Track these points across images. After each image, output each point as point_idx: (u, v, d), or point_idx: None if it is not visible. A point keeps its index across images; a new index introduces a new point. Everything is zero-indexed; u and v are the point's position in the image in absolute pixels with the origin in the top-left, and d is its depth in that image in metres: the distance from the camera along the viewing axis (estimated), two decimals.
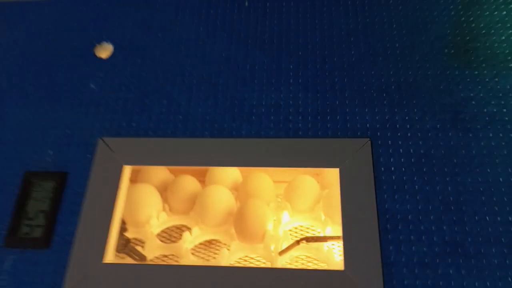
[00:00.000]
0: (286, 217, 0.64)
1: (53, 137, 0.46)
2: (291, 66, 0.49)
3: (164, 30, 0.51)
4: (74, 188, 0.42)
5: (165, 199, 0.66)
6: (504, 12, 0.54)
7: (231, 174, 0.65)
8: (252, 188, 0.66)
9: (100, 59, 0.50)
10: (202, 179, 0.67)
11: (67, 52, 0.52)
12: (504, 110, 0.45)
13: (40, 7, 0.57)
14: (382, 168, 0.42)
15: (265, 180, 0.65)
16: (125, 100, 0.47)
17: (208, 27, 0.51)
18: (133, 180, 0.62)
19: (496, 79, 0.48)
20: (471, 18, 0.52)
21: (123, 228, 0.51)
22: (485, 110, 0.45)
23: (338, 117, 0.45)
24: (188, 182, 0.69)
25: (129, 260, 0.50)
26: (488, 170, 0.42)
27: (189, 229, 0.64)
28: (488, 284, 0.36)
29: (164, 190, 0.67)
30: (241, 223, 0.60)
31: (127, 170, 0.45)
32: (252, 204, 0.61)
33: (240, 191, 0.66)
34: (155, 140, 0.45)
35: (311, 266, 0.57)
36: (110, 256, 0.40)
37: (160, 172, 0.68)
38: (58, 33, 0.51)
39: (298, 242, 0.51)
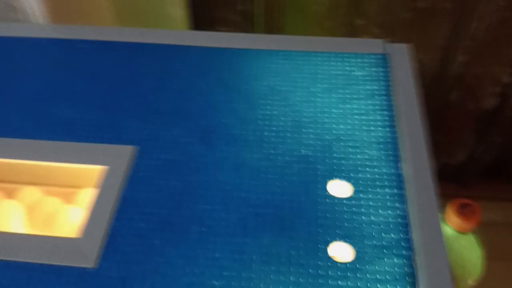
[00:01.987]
0: None
1: None
2: (96, 92, 0.66)
3: (7, 62, 0.68)
4: None
5: (29, 217, 0.76)
6: (274, 65, 0.73)
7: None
8: None
9: None
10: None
11: None
12: (243, 132, 0.62)
13: None
14: (137, 168, 0.57)
15: None
16: None
17: (45, 62, 0.68)
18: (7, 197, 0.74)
19: (248, 111, 0.66)
20: (247, 68, 0.71)
21: None
22: (229, 132, 0.62)
23: (117, 129, 0.61)
24: (52, 203, 0.79)
25: None
26: (214, 173, 0.57)
27: None
28: (180, 251, 0.50)
29: (32, 209, 0.77)
30: None
31: None
32: None
33: None
34: None
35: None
36: None
37: (31, 193, 0.79)
38: None
39: None
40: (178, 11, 0.99)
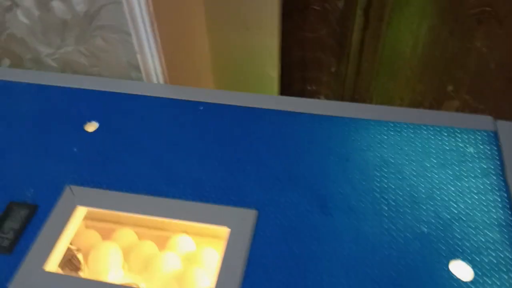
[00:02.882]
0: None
1: (37, 180, 0.68)
2: (219, 154, 0.71)
3: (137, 117, 0.75)
4: (40, 216, 0.62)
5: (126, 259, 0.82)
6: (385, 136, 0.76)
7: (187, 245, 0.82)
8: (199, 258, 0.83)
9: (86, 131, 0.74)
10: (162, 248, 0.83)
11: (61, 124, 0.76)
12: (362, 204, 0.64)
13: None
14: (261, 232, 0.61)
15: (212, 254, 0.81)
16: (94, 162, 0.70)
17: (169, 120, 0.75)
18: (106, 237, 0.80)
19: (363, 182, 0.68)
20: (358, 137, 0.74)
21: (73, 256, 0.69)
22: (347, 202, 0.64)
23: (240, 192, 0.65)
24: (147, 246, 0.85)
25: (62, 272, 0.68)
26: (336, 244, 0.60)
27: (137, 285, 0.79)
28: None
29: (129, 251, 0.83)
30: (179, 284, 0.76)
31: (81, 210, 0.65)
32: (191, 271, 0.78)
33: (190, 260, 0.82)
34: (107, 192, 0.65)
35: None
36: (51, 267, 0.59)
37: (128, 236, 0.85)
38: (55, 109, 0.76)
39: None
40: (272, 71, 1.04)
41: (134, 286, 0.72)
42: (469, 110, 1.07)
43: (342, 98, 1.13)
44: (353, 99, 1.12)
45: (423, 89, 1.07)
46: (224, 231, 0.65)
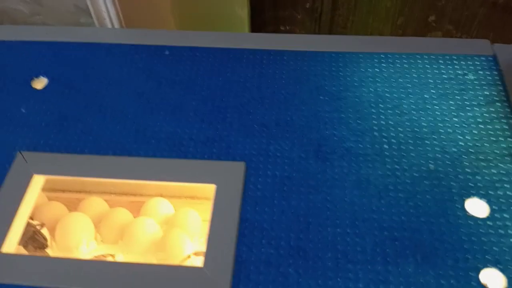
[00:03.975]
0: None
1: None
2: (193, 103, 0.61)
3: (92, 69, 0.64)
4: None
5: (98, 229, 0.73)
6: (377, 69, 0.68)
7: (164, 208, 0.73)
8: (179, 221, 0.74)
9: (35, 89, 0.62)
10: (137, 215, 0.74)
11: (3, 83, 0.64)
12: (360, 145, 0.56)
13: None
14: (251, 186, 0.52)
15: (194, 216, 0.73)
16: (47, 122, 0.59)
17: (131, 69, 0.64)
18: (73, 209, 0.71)
19: (359, 121, 0.60)
20: (347, 73, 0.66)
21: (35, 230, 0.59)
22: (344, 145, 0.56)
23: (223, 144, 0.56)
24: (120, 214, 0.76)
25: (26, 252, 0.58)
26: (336, 191, 0.52)
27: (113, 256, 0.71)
28: (319, 282, 0.45)
29: (99, 221, 0.74)
30: (160, 250, 0.68)
31: (38, 179, 0.55)
32: (172, 235, 0.69)
33: (169, 224, 0.73)
34: (66, 155, 0.55)
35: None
36: (10, 248, 0.49)
37: (98, 204, 0.76)
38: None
39: (188, 256, 0.60)
40: (241, 10, 0.94)
41: (110, 258, 0.64)
42: None
43: None
44: None
45: (404, 21, 0.99)
46: (205, 190, 0.56)
